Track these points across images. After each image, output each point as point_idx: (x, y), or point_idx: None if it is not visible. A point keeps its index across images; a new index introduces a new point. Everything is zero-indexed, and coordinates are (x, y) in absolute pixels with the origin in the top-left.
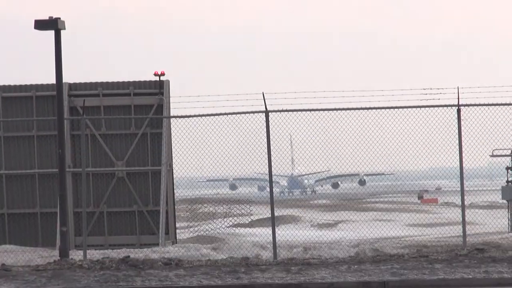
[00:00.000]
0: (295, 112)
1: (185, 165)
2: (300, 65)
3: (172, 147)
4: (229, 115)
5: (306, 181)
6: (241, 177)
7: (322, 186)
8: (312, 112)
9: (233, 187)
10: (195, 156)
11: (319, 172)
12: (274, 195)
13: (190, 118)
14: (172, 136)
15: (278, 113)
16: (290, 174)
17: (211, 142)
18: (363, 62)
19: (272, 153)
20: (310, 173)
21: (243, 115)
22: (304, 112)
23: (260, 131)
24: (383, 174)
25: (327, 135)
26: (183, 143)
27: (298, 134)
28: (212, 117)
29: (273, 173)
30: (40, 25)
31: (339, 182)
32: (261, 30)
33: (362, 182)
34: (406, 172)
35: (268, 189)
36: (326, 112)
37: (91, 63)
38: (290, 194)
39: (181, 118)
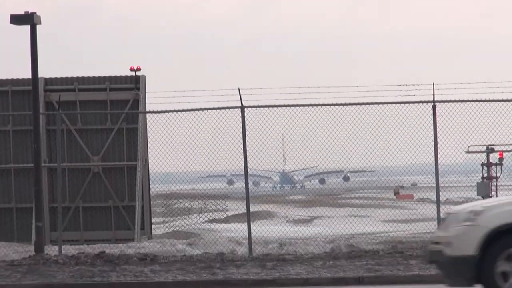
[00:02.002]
0: (285, 109)
1: (160, 160)
2: (275, 61)
3: (148, 143)
4: (205, 111)
5: (296, 177)
6: (238, 173)
7: (310, 181)
8: (298, 109)
9: (230, 182)
10: (171, 152)
11: (308, 168)
12: (267, 190)
13: (166, 113)
14: (148, 132)
15: (270, 109)
16: (282, 170)
17: (188, 138)
18: (337, 58)
19: (264, 149)
20: (300, 169)
21: (219, 110)
22: (293, 109)
23: (249, 126)
24: (365, 171)
25: (308, 132)
26: (158, 138)
27: (287, 131)
28: (192, 112)
29: (266, 169)
30: (16, 19)
31: (325, 178)
32: (234, 24)
33: (346, 178)
34: (382, 168)
35: (262, 185)
36: (311, 108)
37: (67, 58)
38: (282, 188)
39: (157, 114)
